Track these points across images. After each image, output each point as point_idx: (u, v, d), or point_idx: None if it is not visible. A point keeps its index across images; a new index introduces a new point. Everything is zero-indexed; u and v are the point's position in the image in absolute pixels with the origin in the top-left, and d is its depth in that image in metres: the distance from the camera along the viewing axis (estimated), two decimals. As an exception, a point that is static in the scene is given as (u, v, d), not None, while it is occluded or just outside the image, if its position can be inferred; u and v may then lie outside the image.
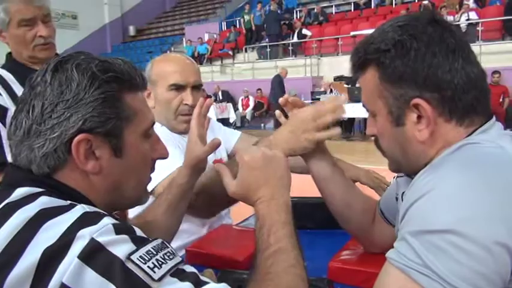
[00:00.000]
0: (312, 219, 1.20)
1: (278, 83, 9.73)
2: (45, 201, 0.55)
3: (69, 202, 0.56)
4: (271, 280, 0.61)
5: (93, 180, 0.62)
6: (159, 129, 1.18)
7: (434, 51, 0.64)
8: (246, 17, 13.43)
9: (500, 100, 7.82)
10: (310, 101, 8.98)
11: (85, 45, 14.86)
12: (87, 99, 0.59)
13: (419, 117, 0.65)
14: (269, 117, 10.78)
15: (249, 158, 0.73)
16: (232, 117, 10.58)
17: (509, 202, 0.55)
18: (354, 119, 8.24)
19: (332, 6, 13.70)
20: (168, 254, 0.54)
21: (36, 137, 0.59)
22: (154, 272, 0.51)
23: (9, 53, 1.45)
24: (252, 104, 10.89)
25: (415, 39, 0.64)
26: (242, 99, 10.98)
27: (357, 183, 1.21)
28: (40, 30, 1.37)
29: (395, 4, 12.34)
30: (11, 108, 1.33)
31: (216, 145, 0.91)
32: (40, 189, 0.58)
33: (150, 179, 0.73)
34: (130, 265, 0.50)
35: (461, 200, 0.55)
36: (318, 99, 8.75)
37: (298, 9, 13.85)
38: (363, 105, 0.74)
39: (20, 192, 0.57)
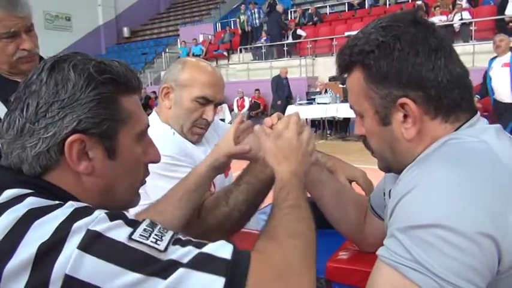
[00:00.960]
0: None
1: (276, 84, 9.73)
2: (32, 202, 0.55)
3: (57, 202, 0.56)
4: (284, 226, 0.65)
5: (85, 182, 0.62)
6: (171, 137, 1.17)
7: (417, 50, 0.65)
8: (242, 17, 13.39)
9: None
10: (305, 101, 8.99)
11: (79, 46, 14.79)
12: (82, 100, 0.59)
13: (405, 116, 0.66)
14: (264, 118, 10.78)
15: (288, 133, 0.79)
16: (228, 117, 10.56)
17: (492, 195, 0.56)
18: (349, 119, 8.26)
19: (326, 6, 13.74)
20: (161, 229, 0.56)
21: (29, 136, 0.59)
22: (159, 245, 0.53)
23: None
24: (247, 104, 10.89)
25: (398, 40, 0.65)
26: (237, 100, 10.97)
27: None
28: (23, 43, 1.24)
29: (389, 4, 12.40)
30: None
31: (244, 151, 0.91)
32: (29, 191, 0.57)
33: (143, 182, 0.73)
34: (133, 244, 0.52)
35: (446, 194, 0.56)
36: (313, 99, 8.77)
37: (292, 9, 13.87)
38: (350, 107, 0.74)
39: (8, 194, 0.56)
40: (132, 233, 0.53)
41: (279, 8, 12.28)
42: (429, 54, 0.65)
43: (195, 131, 1.22)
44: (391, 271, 0.57)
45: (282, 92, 9.80)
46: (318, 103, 8.52)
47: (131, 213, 1.19)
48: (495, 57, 5.28)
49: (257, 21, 13.03)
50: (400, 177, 0.65)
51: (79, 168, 0.60)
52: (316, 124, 9.05)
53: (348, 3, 13.20)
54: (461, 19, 9.51)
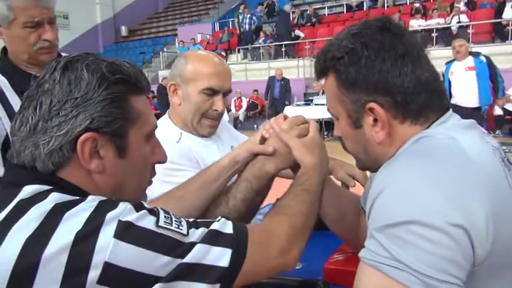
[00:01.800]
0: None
1: (268, 84, 9.75)
2: (56, 197, 0.57)
3: (78, 197, 0.58)
4: (288, 205, 0.77)
5: (96, 180, 0.63)
6: (173, 145, 1.14)
7: (383, 57, 0.67)
8: (241, 17, 13.34)
9: (491, 102, 7.90)
10: (303, 102, 9.00)
11: (77, 45, 14.74)
12: (95, 99, 0.60)
13: (375, 120, 0.69)
14: (262, 118, 10.79)
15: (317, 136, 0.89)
16: (225, 118, 10.55)
17: (459, 187, 0.58)
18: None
19: (325, 7, 13.77)
20: (175, 215, 0.62)
21: (42, 133, 0.60)
22: (181, 229, 0.59)
23: (4, 48, 1.33)
24: (244, 105, 10.89)
25: (365, 47, 0.67)
26: (235, 100, 10.97)
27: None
28: (46, 33, 1.25)
29: (387, 6, 12.44)
30: (2, 116, 1.24)
31: (266, 151, 0.92)
32: (49, 187, 0.59)
33: (150, 183, 0.74)
34: (161, 230, 0.57)
35: (415, 190, 0.58)
36: (311, 100, 8.78)
37: (291, 10, 13.88)
38: (327, 110, 0.78)
39: (29, 190, 0.58)
40: (157, 221, 0.58)
41: (287, 8, 12.16)
42: (395, 61, 0.67)
43: (206, 123, 1.19)
44: (373, 271, 0.58)
45: (272, 93, 9.82)
46: (315, 104, 8.53)
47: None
48: (452, 61, 5.18)
49: (247, 26, 12.96)
50: (373, 179, 0.67)
51: (90, 166, 0.62)
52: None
53: (346, 4, 13.23)
54: (459, 22, 9.55)
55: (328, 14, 13.48)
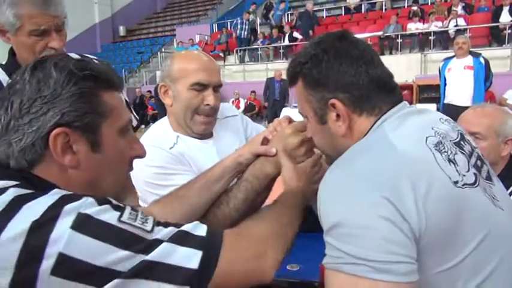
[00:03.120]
0: (306, 222, 1.20)
1: (267, 86, 9.74)
2: (18, 190, 0.57)
3: (42, 192, 0.58)
4: (269, 214, 0.80)
5: (70, 175, 0.64)
6: (165, 151, 1.13)
7: (340, 60, 0.78)
8: (251, 17, 12.99)
9: (487, 105, 7.95)
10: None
11: (74, 44, 14.68)
12: (64, 95, 0.62)
13: (338, 115, 0.78)
14: (260, 120, 10.79)
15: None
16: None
17: (383, 175, 0.64)
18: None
19: (323, 10, 13.79)
20: (143, 214, 0.61)
21: (14, 132, 0.61)
22: (145, 226, 0.59)
23: (12, 49, 1.31)
24: (242, 106, 10.89)
25: (325, 52, 0.78)
26: (233, 101, 10.97)
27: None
28: (52, 42, 1.22)
29: (386, 9, 12.48)
30: None
31: (269, 153, 0.95)
32: (14, 182, 0.59)
33: (127, 177, 0.75)
34: (123, 225, 0.57)
35: (340, 191, 0.66)
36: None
37: (289, 12, 13.90)
38: (299, 112, 0.87)
39: None
40: (120, 215, 0.57)
41: (309, 6, 11.99)
42: (351, 63, 0.77)
43: (199, 119, 1.18)
44: (335, 273, 0.63)
45: (272, 94, 9.82)
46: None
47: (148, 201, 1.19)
48: (450, 57, 5.13)
49: (239, 31, 12.80)
50: None
51: (64, 161, 0.63)
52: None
53: (344, 7, 13.26)
54: (456, 25, 9.60)
55: (326, 16, 13.50)
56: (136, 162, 1.10)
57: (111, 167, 0.68)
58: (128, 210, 0.60)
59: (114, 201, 0.61)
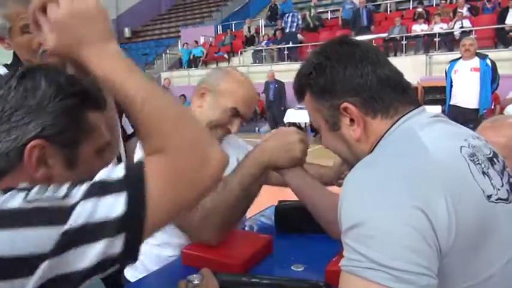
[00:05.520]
0: (309, 223, 1.20)
1: (264, 88, 9.79)
2: None
3: None
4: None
5: None
6: None
7: (344, 64, 0.76)
8: (313, 11, 12.43)
9: (492, 107, 7.90)
10: (305, 106, 8.99)
11: (80, 46, 14.75)
12: (49, 108, 0.60)
13: (351, 120, 0.76)
14: (264, 121, 10.79)
15: None
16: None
17: (419, 183, 0.60)
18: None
19: (327, 11, 13.78)
20: (55, 185, 0.54)
21: None
22: (58, 193, 0.52)
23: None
24: (246, 107, 10.89)
25: (328, 59, 0.77)
26: (237, 103, 10.98)
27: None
28: None
29: (390, 11, 12.45)
30: None
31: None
32: None
33: None
34: (31, 204, 0.50)
35: (371, 191, 0.62)
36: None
37: (294, 13, 13.89)
38: (311, 125, 0.82)
39: None
40: (26, 195, 0.51)
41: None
42: (356, 65, 0.76)
43: (213, 135, 1.21)
44: (350, 277, 0.60)
45: (267, 96, 9.81)
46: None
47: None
48: (457, 59, 5.10)
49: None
50: None
51: (36, 174, 0.61)
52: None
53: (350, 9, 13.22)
54: (462, 27, 9.56)
55: (331, 18, 13.49)
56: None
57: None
58: (36, 187, 0.53)
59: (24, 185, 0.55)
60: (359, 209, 0.62)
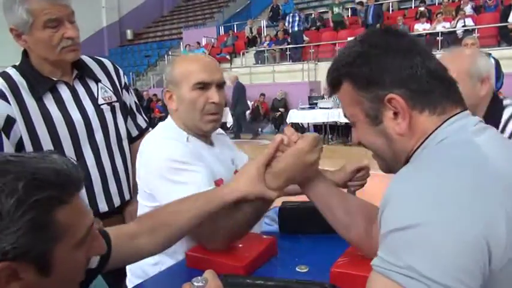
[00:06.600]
0: (314, 223, 1.19)
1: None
2: None
3: None
4: None
5: None
6: (182, 142, 1.15)
7: (392, 53, 0.71)
8: (336, 9, 12.15)
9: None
10: (307, 106, 9.00)
11: (82, 48, 14.74)
12: (11, 228, 0.55)
13: (395, 113, 0.71)
14: (266, 122, 10.78)
15: None
16: (230, 121, 10.57)
17: (480, 198, 0.57)
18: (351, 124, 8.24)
19: (329, 11, 13.76)
20: None
21: None
22: None
23: (25, 51, 1.34)
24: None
25: (374, 47, 0.72)
26: (239, 104, 10.99)
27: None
28: (67, 32, 1.26)
29: (392, 10, 12.42)
30: (18, 119, 1.27)
31: (269, 199, 0.97)
32: None
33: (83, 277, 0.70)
34: None
35: (430, 196, 0.57)
36: (316, 104, 8.77)
37: (295, 13, 13.88)
38: (345, 117, 0.80)
39: None
40: None
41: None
42: (404, 54, 0.71)
43: (207, 118, 1.19)
44: (383, 279, 0.57)
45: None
46: (320, 108, 8.52)
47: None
48: None
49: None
50: (389, 185, 0.66)
51: None
52: (318, 129, 9.06)
53: (351, 8, 13.21)
54: (464, 26, 9.52)
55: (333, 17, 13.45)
56: (151, 154, 1.12)
57: (62, 284, 0.63)
58: None
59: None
60: (414, 211, 0.57)
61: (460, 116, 0.70)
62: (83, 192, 1.36)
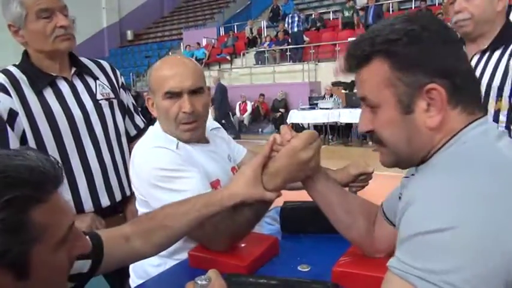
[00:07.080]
0: (315, 223, 1.20)
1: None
2: None
3: None
4: None
5: None
6: (171, 150, 1.11)
7: (444, 40, 0.66)
8: (346, 13, 12.14)
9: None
10: (308, 106, 9.00)
11: (83, 49, 14.80)
12: None
13: (428, 105, 0.66)
14: (267, 122, 10.79)
15: None
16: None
17: (499, 203, 0.55)
18: (351, 124, 8.26)
19: (330, 12, 13.77)
20: None
21: None
22: None
23: (25, 52, 1.39)
24: (249, 109, 10.90)
25: (425, 29, 0.66)
26: (240, 104, 10.99)
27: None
28: (60, 21, 1.32)
29: (392, 11, 12.42)
30: (20, 112, 1.30)
31: (269, 200, 0.96)
32: None
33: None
34: None
35: (457, 200, 0.55)
36: (316, 104, 8.77)
37: (295, 14, 13.89)
38: (362, 99, 0.72)
39: None
40: None
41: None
42: (453, 45, 0.68)
43: (182, 128, 1.15)
44: (400, 281, 0.56)
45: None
46: (320, 108, 8.52)
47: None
48: None
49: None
50: (409, 183, 0.65)
51: None
52: (318, 129, 9.06)
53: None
54: (465, 26, 9.51)
55: (333, 19, 13.47)
56: (141, 163, 1.11)
57: (43, 286, 0.60)
58: None
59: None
60: (439, 216, 0.55)
61: (482, 121, 0.68)
62: (85, 186, 1.38)
